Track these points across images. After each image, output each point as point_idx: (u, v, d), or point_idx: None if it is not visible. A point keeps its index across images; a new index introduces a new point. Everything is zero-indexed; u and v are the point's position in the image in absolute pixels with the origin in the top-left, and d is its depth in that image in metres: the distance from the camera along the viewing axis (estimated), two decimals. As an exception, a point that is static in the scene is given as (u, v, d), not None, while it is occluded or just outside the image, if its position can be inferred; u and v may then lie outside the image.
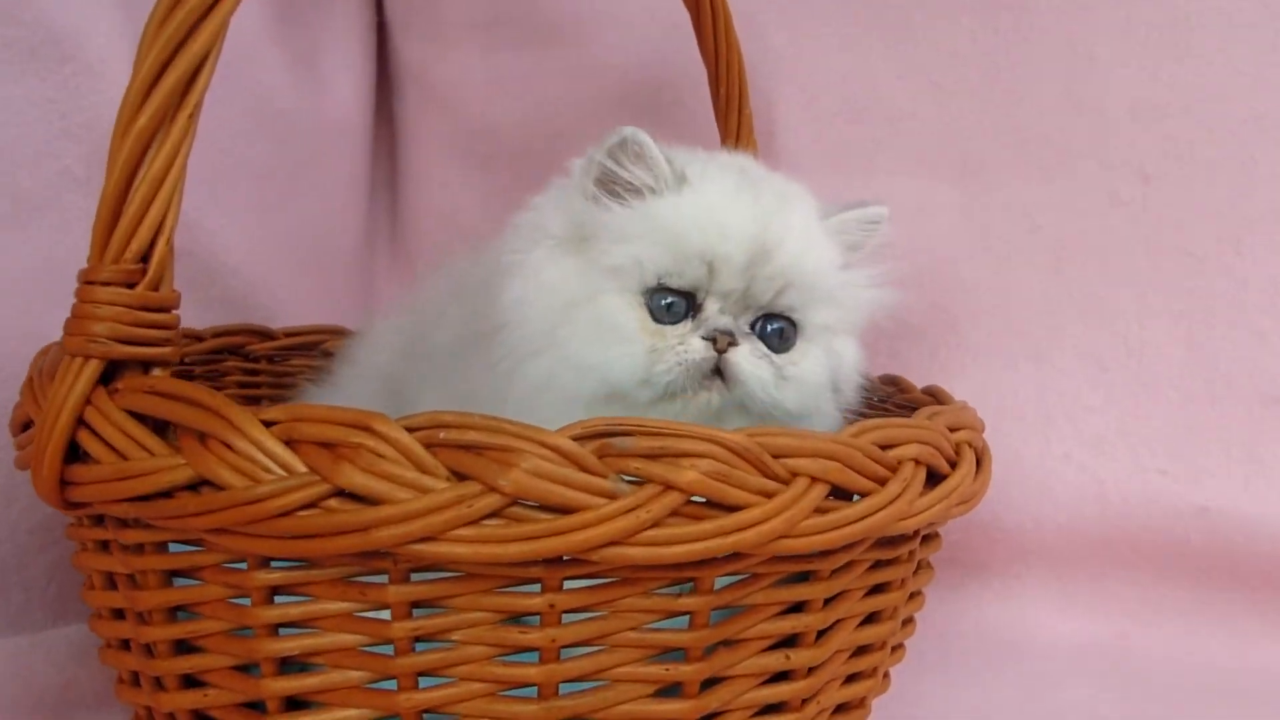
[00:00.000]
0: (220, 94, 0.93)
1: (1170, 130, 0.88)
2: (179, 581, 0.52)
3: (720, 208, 0.62)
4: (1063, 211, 0.91)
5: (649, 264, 0.61)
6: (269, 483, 0.45)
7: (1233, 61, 0.86)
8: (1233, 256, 0.88)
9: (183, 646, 0.53)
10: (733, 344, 0.60)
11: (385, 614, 0.49)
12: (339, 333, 0.95)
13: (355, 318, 1.01)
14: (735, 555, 0.50)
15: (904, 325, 0.93)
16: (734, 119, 0.87)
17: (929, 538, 0.66)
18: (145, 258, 0.50)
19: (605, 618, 0.50)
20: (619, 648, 0.51)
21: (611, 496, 0.46)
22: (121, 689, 0.58)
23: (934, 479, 0.57)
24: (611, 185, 0.63)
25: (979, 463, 0.62)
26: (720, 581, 0.51)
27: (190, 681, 0.54)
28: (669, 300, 0.61)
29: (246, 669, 0.52)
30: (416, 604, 0.49)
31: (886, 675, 0.66)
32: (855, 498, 0.52)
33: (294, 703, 0.51)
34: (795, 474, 0.49)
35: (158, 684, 0.54)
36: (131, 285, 0.49)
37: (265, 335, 0.92)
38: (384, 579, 0.48)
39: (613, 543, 0.46)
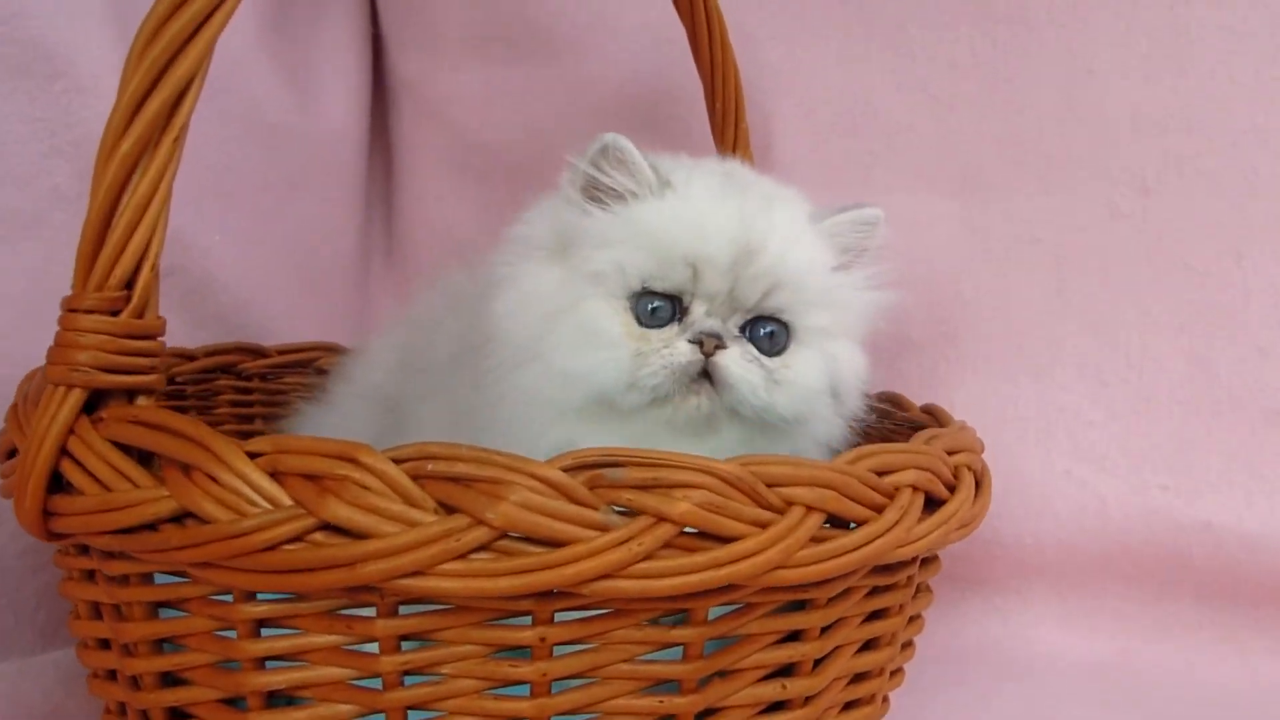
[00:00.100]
0: (213, 108, 0.93)
1: (1171, 142, 0.87)
2: (165, 613, 0.51)
3: (703, 209, 0.62)
4: (1063, 224, 0.91)
5: (632, 268, 0.60)
6: (254, 516, 0.44)
7: (1233, 73, 0.86)
8: (1234, 269, 0.87)
9: (169, 679, 0.52)
10: (720, 347, 0.59)
11: (374, 647, 0.48)
12: (333, 350, 0.94)
13: (351, 334, 1.00)
14: (730, 586, 0.49)
15: (903, 339, 0.92)
16: (730, 133, 0.86)
17: (928, 560, 0.65)
18: (129, 284, 0.49)
19: (597, 650, 0.49)
20: (611, 680, 0.50)
21: (603, 529, 0.45)
22: (109, 719, 0.57)
23: (932, 504, 0.56)
24: (595, 192, 0.62)
25: (978, 485, 0.61)
26: (714, 612, 0.51)
27: (177, 715, 0.53)
28: (654, 305, 0.60)
29: (234, 702, 0.51)
30: (405, 637, 0.48)
31: (885, 699, 0.65)
32: (852, 526, 0.51)
33: (282, 736, 0.50)
34: (790, 503, 0.48)
35: (144, 717, 0.53)
36: (115, 313, 0.49)
37: (258, 353, 0.91)
38: (372, 612, 0.48)
39: (604, 576, 0.45)
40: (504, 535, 0.45)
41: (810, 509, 0.49)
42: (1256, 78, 0.85)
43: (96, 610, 0.55)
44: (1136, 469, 0.88)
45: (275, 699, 0.50)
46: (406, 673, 0.48)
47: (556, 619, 0.48)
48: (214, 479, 0.45)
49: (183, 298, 0.91)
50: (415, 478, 0.45)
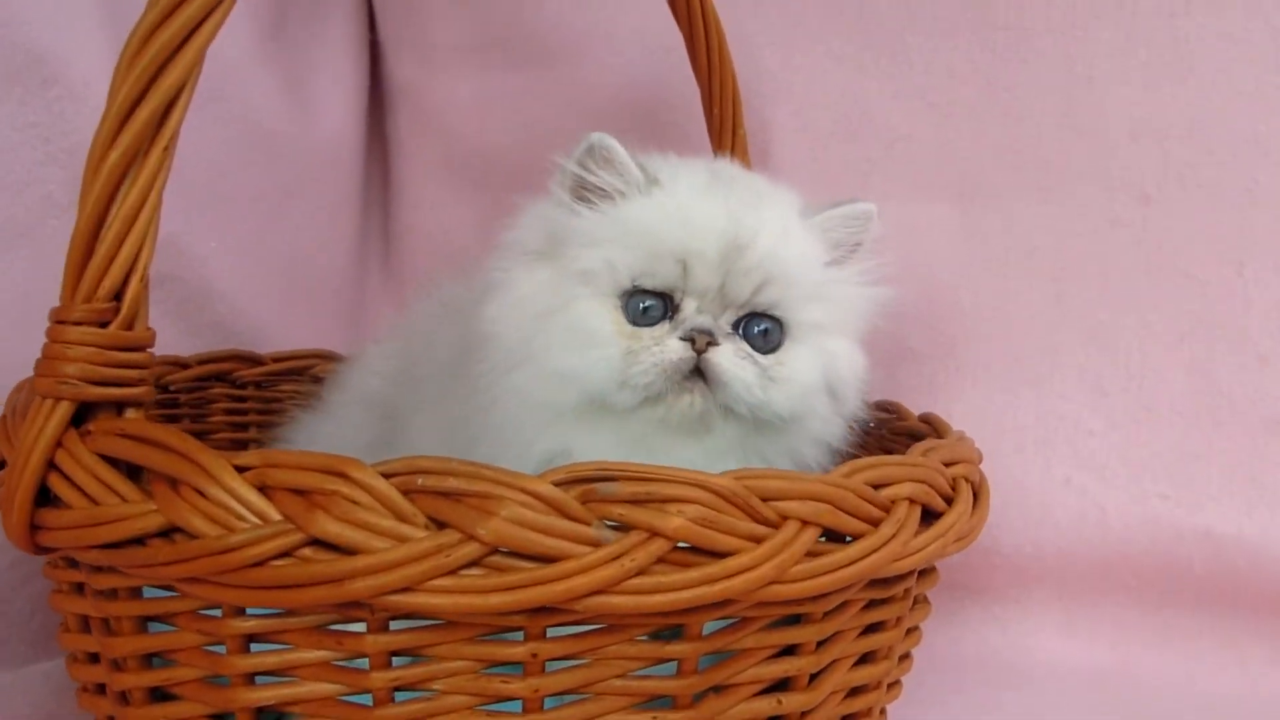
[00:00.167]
0: (209, 115, 0.94)
1: (1171, 151, 0.87)
2: (154, 627, 0.51)
3: (691, 204, 0.61)
4: (1062, 233, 0.90)
5: (622, 266, 0.60)
6: (242, 531, 0.44)
7: (1234, 82, 0.85)
8: (1235, 278, 0.86)
9: (158, 694, 0.52)
10: (712, 343, 0.59)
11: (364, 663, 0.48)
12: (328, 357, 0.94)
13: (347, 342, 1.00)
14: (724, 601, 0.48)
15: (902, 348, 0.92)
16: (728, 139, 0.86)
17: (926, 573, 0.64)
18: (118, 296, 0.49)
19: (590, 665, 0.49)
20: (604, 695, 0.49)
21: (595, 544, 0.44)
22: (98, 734, 0.57)
23: (930, 517, 0.55)
24: (583, 192, 0.62)
25: (976, 497, 0.61)
26: (709, 626, 0.50)
27: (166, 730, 0.52)
28: (646, 303, 0.60)
29: (223, 718, 0.50)
30: (396, 653, 0.47)
31: (883, 712, 0.65)
32: (848, 540, 0.51)
33: (272, 752, 0.50)
34: (785, 517, 0.48)
35: (133, 731, 0.53)
36: (104, 325, 0.48)
37: (252, 361, 0.91)
38: (362, 627, 0.47)
39: (596, 592, 0.44)
40: (495, 551, 0.44)
41: (805, 523, 0.48)
42: (1257, 86, 0.85)
43: (85, 624, 0.54)
44: (1136, 478, 0.88)
45: (265, 715, 0.50)
46: (397, 688, 0.48)
47: (549, 634, 0.48)
48: (202, 493, 0.45)
49: (177, 306, 0.90)
50: (405, 492, 0.44)
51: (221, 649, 0.49)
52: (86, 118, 0.79)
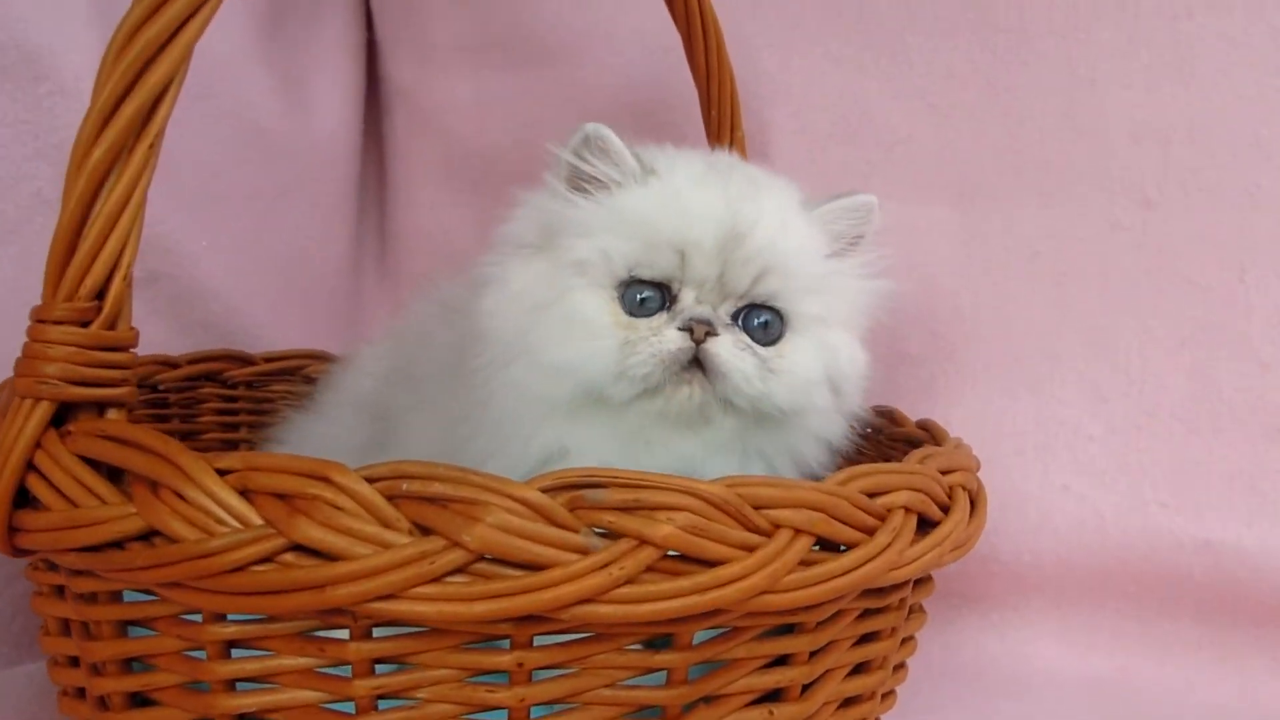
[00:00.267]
0: (204, 112, 0.93)
1: (1172, 155, 0.86)
2: (134, 631, 0.50)
3: (688, 193, 0.61)
4: (1063, 237, 0.89)
5: (618, 256, 0.59)
6: (222, 536, 0.43)
7: (1236, 85, 0.85)
8: (1236, 284, 0.86)
9: (138, 699, 0.51)
10: (711, 334, 0.58)
11: (347, 670, 0.47)
12: (320, 358, 0.93)
13: (342, 342, 0.99)
14: (715, 611, 0.47)
15: (901, 352, 0.91)
16: (726, 140, 0.85)
17: (921, 582, 0.64)
18: (100, 295, 0.48)
19: (577, 675, 0.48)
20: (592, 706, 0.48)
21: (583, 552, 0.44)
22: (78, 739, 0.56)
23: (926, 525, 0.55)
24: (579, 182, 0.62)
25: (973, 505, 0.60)
26: (699, 636, 0.49)
27: (146, 736, 0.51)
28: (643, 294, 0.59)
29: (204, 725, 0.50)
30: (379, 660, 0.47)
31: (878, 722, 0.64)
32: (842, 548, 0.50)
33: (253, 761, 0.49)
34: (778, 525, 0.47)
35: (112, 737, 0.52)
36: (85, 324, 0.48)
37: (244, 361, 0.90)
38: (345, 634, 0.46)
39: (584, 601, 0.44)
40: (480, 558, 0.43)
41: (799, 532, 0.47)
42: (1259, 89, 0.84)
43: (66, 627, 0.54)
44: (1136, 485, 0.87)
45: (247, 722, 0.49)
46: (380, 697, 0.47)
47: (535, 643, 0.47)
48: (182, 496, 0.44)
49: (169, 304, 0.90)
50: (389, 497, 0.43)
51: (202, 654, 0.48)
52: (77, 114, 0.76)
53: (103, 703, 0.52)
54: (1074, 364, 0.89)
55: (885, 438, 0.76)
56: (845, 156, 0.94)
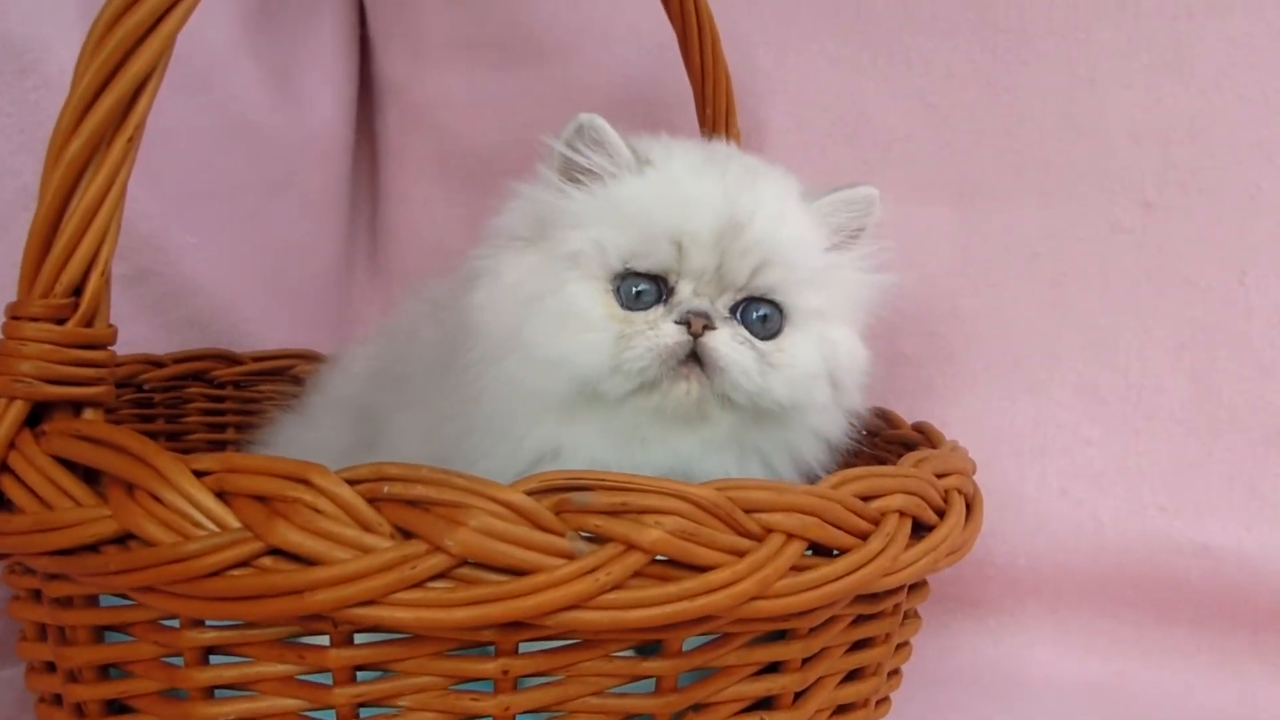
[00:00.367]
0: (193, 107, 0.92)
1: (1172, 156, 0.86)
2: (110, 637, 0.49)
3: (684, 183, 0.60)
4: (1062, 238, 0.89)
5: (612, 247, 0.58)
6: (199, 539, 0.42)
7: (1237, 86, 0.84)
8: (1236, 286, 0.85)
9: (115, 706, 0.50)
10: (709, 327, 0.57)
11: (327, 678, 0.46)
12: (309, 357, 0.92)
13: (332, 341, 0.98)
14: (704, 617, 0.46)
15: (898, 354, 0.91)
16: (721, 139, 0.84)
17: (916, 587, 0.63)
18: (77, 291, 0.47)
19: (564, 683, 0.47)
20: (579, 714, 0.48)
21: (569, 557, 0.43)
22: (56, 746, 0.55)
23: (921, 530, 0.54)
24: (572, 173, 0.61)
25: (969, 510, 0.59)
26: (689, 642, 0.48)
27: (123, 744, 0.50)
28: (639, 287, 0.58)
29: (181, 732, 0.48)
30: (360, 667, 0.46)
31: (872, 728, 0.63)
32: (835, 553, 0.49)
33: (232, 769, 0.48)
34: (769, 530, 0.46)
35: (89, 745, 0.51)
36: (61, 321, 0.47)
37: (230, 360, 0.89)
38: (325, 641, 0.45)
39: (570, 607, 0.42)
40: (463, 563, 0.42)
41: (790, 536, 0.46)
42: (1260, 90, 0.84)
43: (43, 632, 0.52)
44: (1134, 489, 0.86)
45: (225, 729, 0.48)
46: (362, 705, 0.46)
47: (520, 650, 0.46)
48: (158, 499, 0.43)
49: (156, 302, 0.89)
50: (370, 500, 0.42)
51: (180, 661, 0.47)
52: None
53: (79, 710, 0.51)
54: (1073, 365, 0.89)
55: (880, 440, 0.75)
56: (843, 156, 0.94)
